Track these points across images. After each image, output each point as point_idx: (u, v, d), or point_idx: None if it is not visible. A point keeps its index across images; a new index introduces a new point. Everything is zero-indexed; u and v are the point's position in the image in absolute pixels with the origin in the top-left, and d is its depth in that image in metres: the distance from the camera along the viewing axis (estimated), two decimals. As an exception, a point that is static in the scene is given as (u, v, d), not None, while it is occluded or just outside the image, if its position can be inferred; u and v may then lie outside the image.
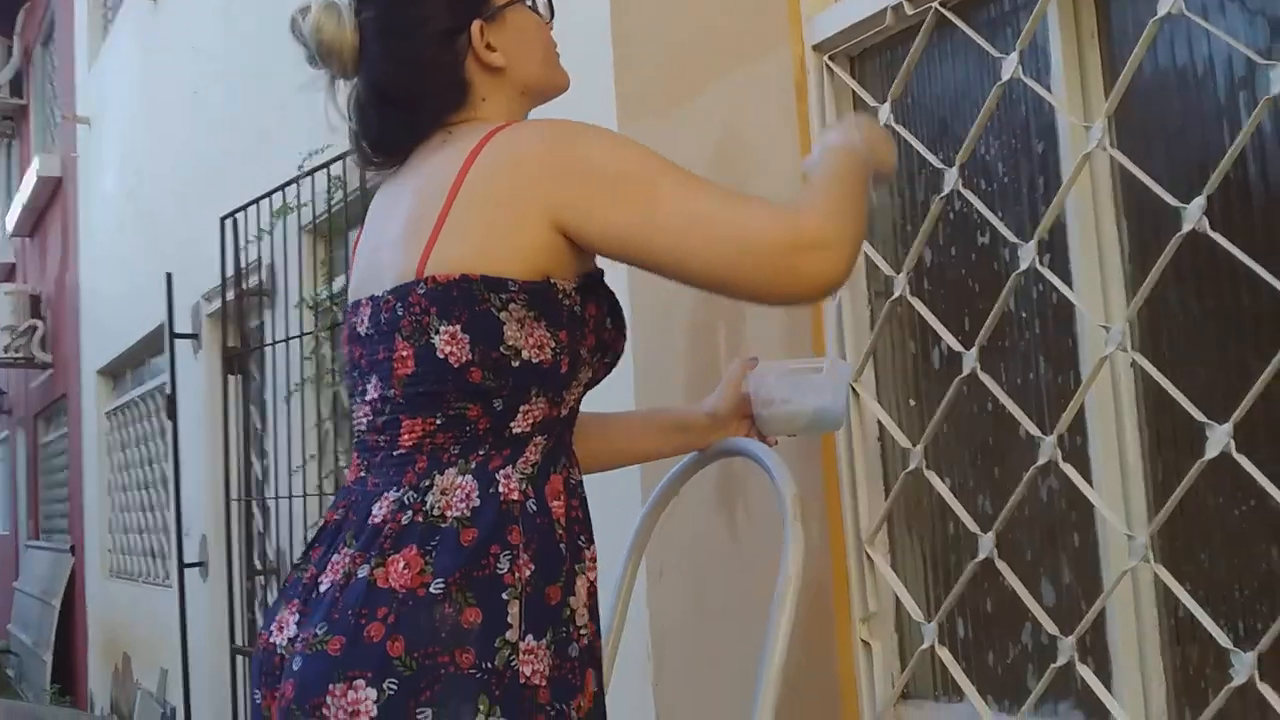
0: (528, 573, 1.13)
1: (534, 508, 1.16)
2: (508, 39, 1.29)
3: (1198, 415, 1.26)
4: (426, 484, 1.15)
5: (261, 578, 4.18)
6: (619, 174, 1.15)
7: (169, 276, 5.13)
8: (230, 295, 4.13)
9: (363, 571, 1.12)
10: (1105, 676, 1.41)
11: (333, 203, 3.58)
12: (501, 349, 1.15)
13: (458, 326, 1.14)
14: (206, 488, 4.96)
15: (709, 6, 2.00)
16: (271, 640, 1.18)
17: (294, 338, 3.77)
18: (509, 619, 1.10)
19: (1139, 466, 1.43)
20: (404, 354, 1.17)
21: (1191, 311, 1.42)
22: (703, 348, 2.01)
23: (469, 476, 1.15)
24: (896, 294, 1.65)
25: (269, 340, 4.06)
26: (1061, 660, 1.39)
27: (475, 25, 1.26)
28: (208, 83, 5.34)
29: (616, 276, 2.08)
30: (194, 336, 5.23)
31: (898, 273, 1.66)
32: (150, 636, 5.96)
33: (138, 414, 6.79)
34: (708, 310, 1.99)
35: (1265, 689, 1.21)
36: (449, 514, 1.13)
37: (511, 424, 1.17)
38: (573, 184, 1.15)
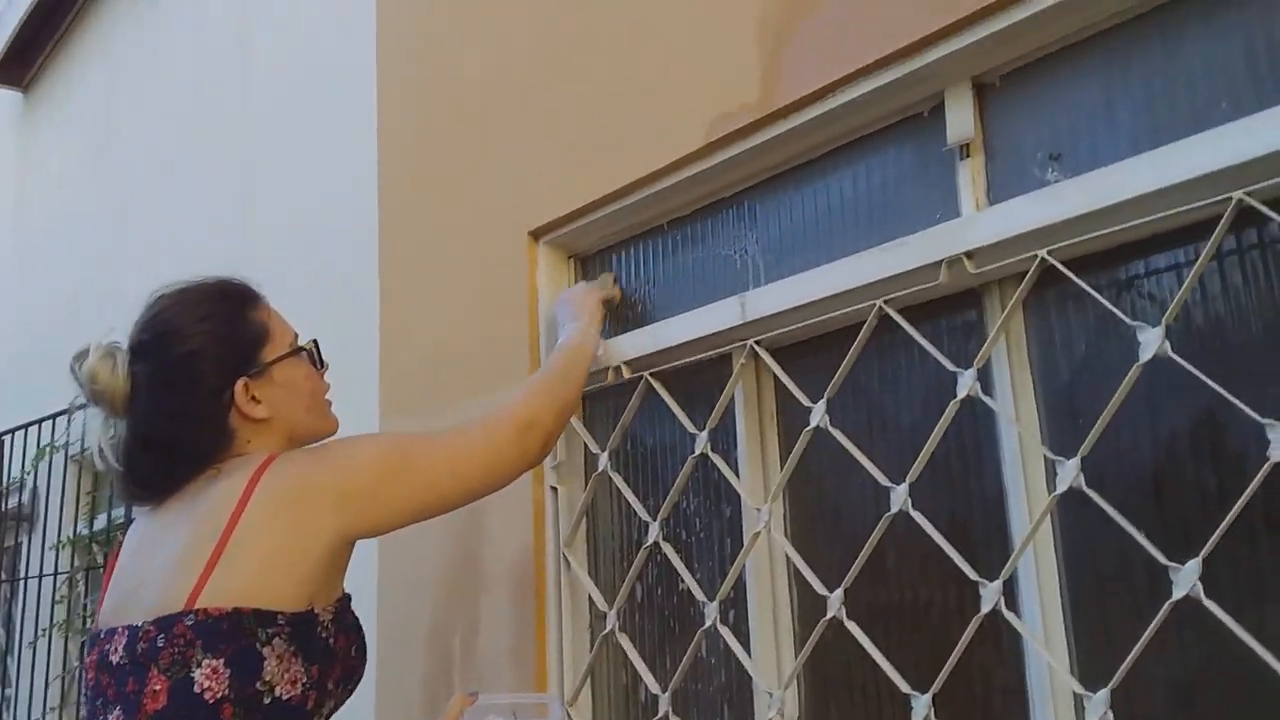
0: None
1: None
2: (273, 391, 1.40)
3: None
4: None
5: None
6: (381, 464, 1.32)
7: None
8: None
9: None
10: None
11: (103, 440, 3.54)
12: (257, 685, 1.19)
13: (220, 660, 1.18)
14: (-60, 720, 4.60)
15: (467, 340, 2.18)
16: None
17: (48, 575, 3.64)
18: None
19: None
20: (156, 687, 1.19)
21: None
22: (440, 661, 2.09)
23: None
24: (607, 629, 1.80)
25: (23, 572, 3.90)
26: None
27: (240, 383, 1.37)
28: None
29: (363, 589, 2.17)
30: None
31: (610, 608, 1.81)
32: None
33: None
34: (443, 624, 2.08)
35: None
36: None
37: None
38: (352, 494, 1.28)
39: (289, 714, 1.23)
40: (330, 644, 1.28)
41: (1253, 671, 1.10)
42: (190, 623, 1.19)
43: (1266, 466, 1.09)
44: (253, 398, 1.38)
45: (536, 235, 2.06)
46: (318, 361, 1.50)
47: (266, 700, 1.20)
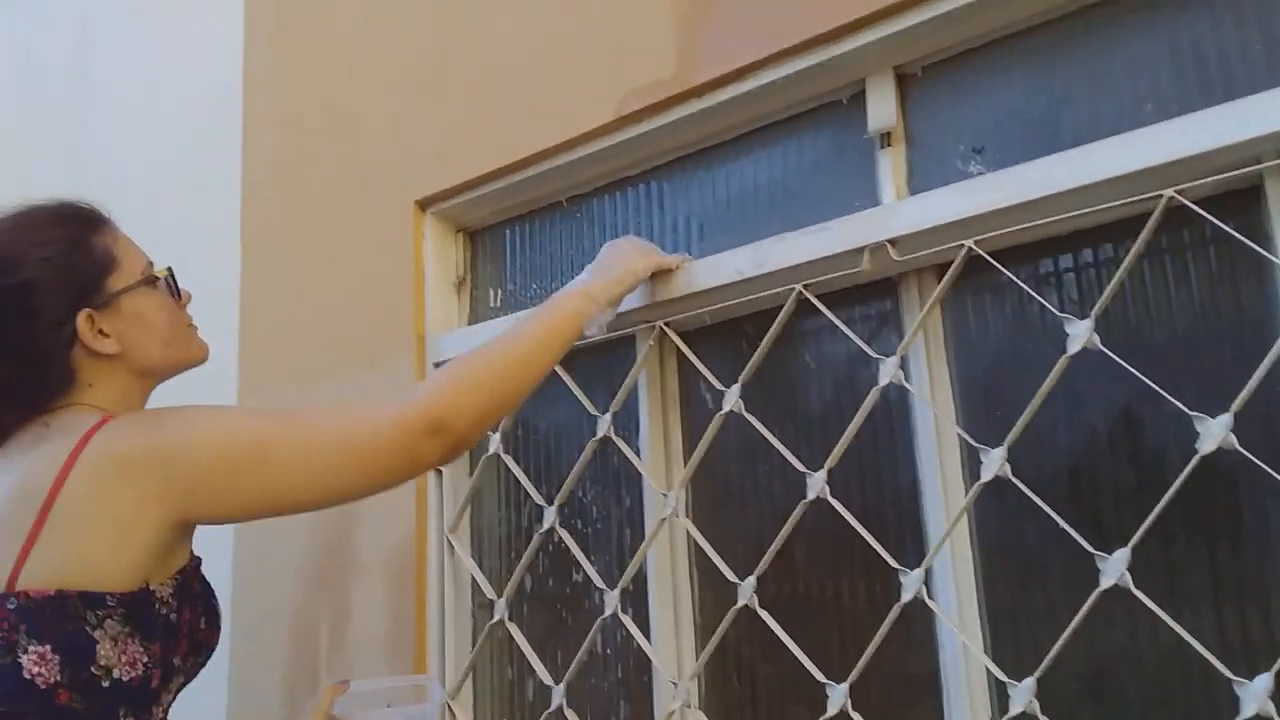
0: None
1: None
2: (122, 324, 1.26)
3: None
4: None
5: None
6: (230, 451, 1.16)
7: None
8: None
9: None
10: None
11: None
12: (93, 669, 1.09)
13: (48, 647, 1.08)
14: None
15: (342, 311, 2.05)
16: None
17: None
18: None
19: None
20: None
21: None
22: (304, 648, 1.97)
23: None
24: (495, 618, 1.72)
25: None
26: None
27: (83, 315, 1.23)
28: None
29: (219, 569, 2.01)
30: None
31: (499, 597, 1.73)
32: None
33: None
34: (309, 608, 1.96)
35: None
36: None
37: None
38: (190, 479, 1.14)
39: (133, 695, 1.13)
40: (172, 620, 1.18)
41: (1164, 663, 1.12)
42: (12, 606, 1.09)
43: (1196, 458, 1.11)
44: (100, 331, 1.24)
45: (424, 205, 1.96)
46: (174, 291, 1.36)
47: (105, 683, 1.11)
